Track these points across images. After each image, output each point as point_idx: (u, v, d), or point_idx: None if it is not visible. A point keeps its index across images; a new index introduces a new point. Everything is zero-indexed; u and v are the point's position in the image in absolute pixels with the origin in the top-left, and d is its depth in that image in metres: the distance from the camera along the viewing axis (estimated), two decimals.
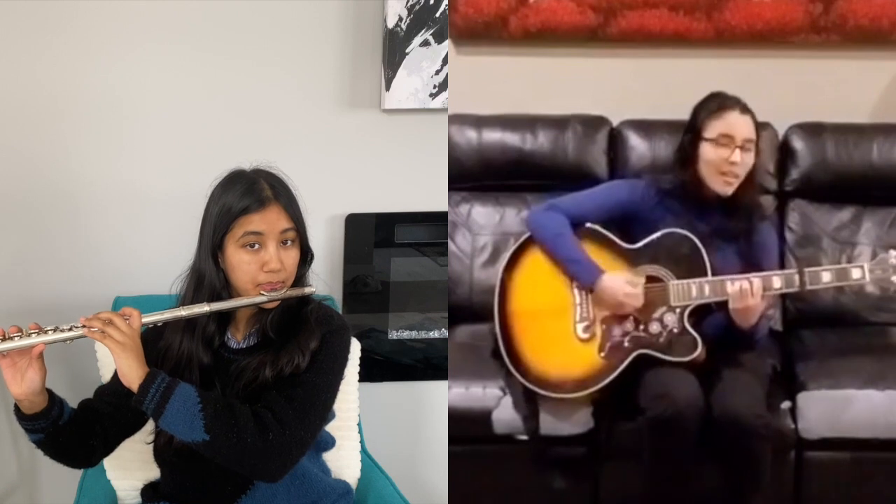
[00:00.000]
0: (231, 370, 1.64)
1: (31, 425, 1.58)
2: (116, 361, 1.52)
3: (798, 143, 2.34)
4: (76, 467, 1.75)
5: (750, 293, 1.88)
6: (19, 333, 1.52)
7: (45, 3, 2.08)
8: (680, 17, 2.39)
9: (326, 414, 1.67)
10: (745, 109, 1.96)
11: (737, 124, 1.95)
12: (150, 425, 1.72)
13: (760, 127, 2.00)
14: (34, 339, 1.51)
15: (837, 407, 1.99)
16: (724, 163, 1.94)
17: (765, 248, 2.02)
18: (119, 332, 1.50)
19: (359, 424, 2.08)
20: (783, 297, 2.28)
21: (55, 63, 2.11)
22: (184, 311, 1.59)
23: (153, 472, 1.81)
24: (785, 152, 2.35)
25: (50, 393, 1.58)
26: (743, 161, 1.95)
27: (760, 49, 2.41)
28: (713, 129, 1.96)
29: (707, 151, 1.96)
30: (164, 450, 1.68)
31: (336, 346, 1.66)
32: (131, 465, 1.90)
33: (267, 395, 1.58)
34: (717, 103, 1.98)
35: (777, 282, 1.91)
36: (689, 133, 2.01)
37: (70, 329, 1.53)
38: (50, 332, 1.52)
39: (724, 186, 1.96)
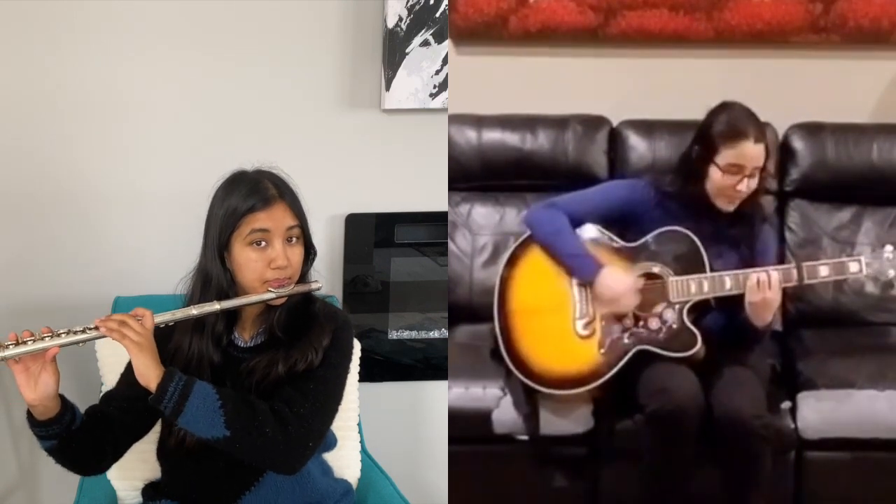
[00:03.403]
0: (241, 369, 1.65)
1: (44, 431, 1.57)
2: (133, 361, 1.52)
3: (798, 143, 2.34)
4: (87, 474, 1.76)
5: (767, 286, 1.88)
6: (32, 338, 1.51)
7: (51, 5, 2.08)
8: (680, 17, 2.39)
9: (337, 407, 1.68)
10: (759, 138, 1.92)
11: (749, 155, 1.91)
12: (157, 427, 1.73)
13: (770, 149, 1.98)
14: (48, 343, 1.51)
15: (837, 407, 1.99)
16: (730, 188, 1.94)
17: (764, 249, 2.02)
18: (134, 332, 1.51)
19: (359, 424, 2.08)
20: (783, 296, 2.28)
21: (59, 63, 2.12)
22: (195, 310, 1.60)
23: (153, 472, 1.81)
24: (785, 152, 2.35)
25: (62, 398, 1.57)
26: (748, 187, 1.94)
27: (760, 49, 2.41)
28: (725, 156, 1.92)
29: (715, 175, 1.94)
30: (174, 449, 1.68)
31: (344, 342, 1.69)
32: (131, 465, 1.89)
33: (281, 390, 1.60)
34: (731, 127, 1.92)
35: (776, 276, 1.91)
36: (699, 146, 1.98)
37: (83, 331, 1.52)
38: (63, 335, 1.52)
39: (726, 205, 1.97)
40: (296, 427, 1.55)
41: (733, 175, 1.92)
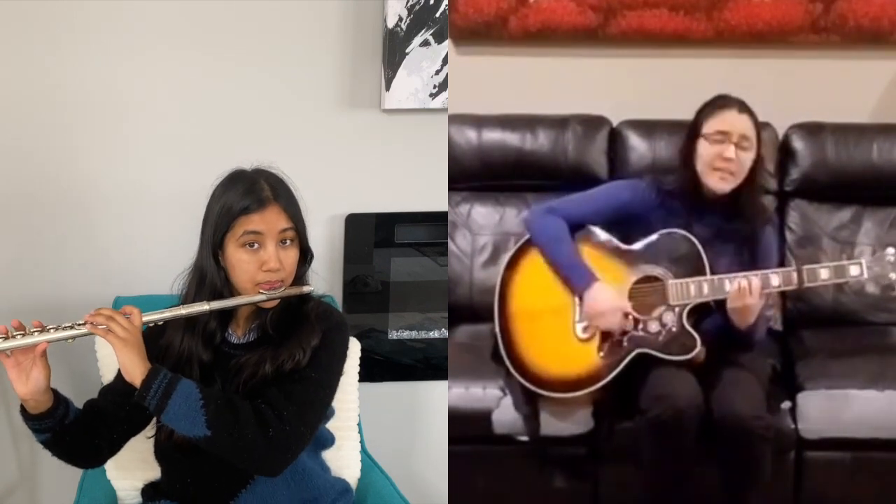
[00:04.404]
0: (231, 365, 1.65)
1: (37, 425, 1.59)
2: (119, 357, 1.53)
3: (798, 143, 2.34)
4: (83, 467, 1.77)
5: (748, 292, 1.88)
6: (22, 331, 1.53)
7: (51, 5, 2.08)
8: (680, 17, 2.39)
9: (325, 410, 1.69)
10: (744, 109, 1.96)
11: (733, 121, 1.95)
12: (152, 422, 1.73)
13: (761, 127, 1.99)
14: (37, 338, 1.52)
15: (837, 407, 1.99)
16: (719, 158, 1.94)
17: (766, 250, 2.02)
18: (121, 328, 1.52)
19: (359, 424, 2.08)
20: (783, 297, 2.29)
21: (59, 63, 2.11)
22: (184, 310, 1.60)
23: (153, 472, 1.81)
24: (785, 152, 2.36)
25: (55, 392, 1.59)
26: (739, 158, 1.94)
27: (760, 49, 2.42)
28: (710, 125, 1.97)
29: (703, 148, 1.97)
30: (164, 445, 1.69)
31: (335, 343, 1.68)
32: (131, 465, 1.90)
33: (267, 391, 1.59)
34: (715, 101, 1.99)
35: (775, 279, 1.91)
36: (690, 133, 2.01)
37: (73, 327, 1.54)
38: (52, 331, 1.53)
39: (719, 182, 1.96)
40: (277, 430, 1.55)
41: (720, 143, 1.94)
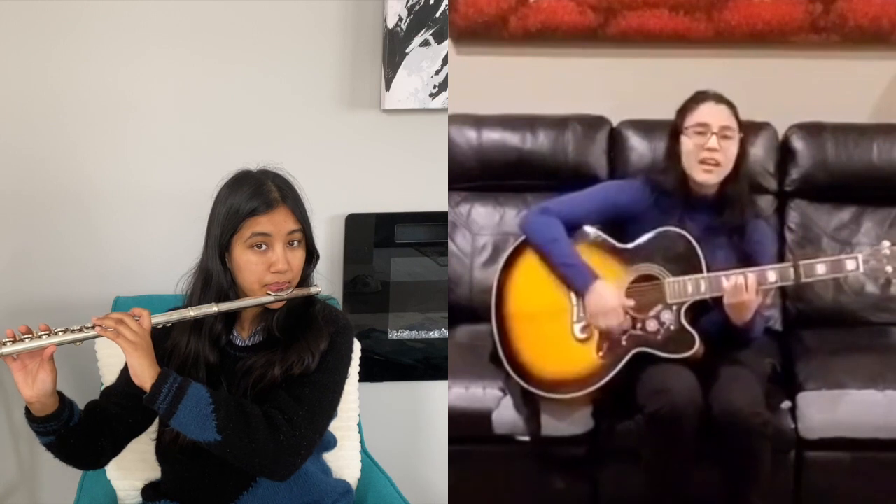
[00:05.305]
0: (237, 367, 1.66)
1: (42, 427, 1.58)
2: (129, 360, 1.52)
3: (798, 143, 2.34)
4: (85, 469, 1.77)
5: (745, 288, 1.89)
6: (29, 335, 1.52)
7: (53, 5, 2.08)
8: (680, 17, 2.39)
9: (333, 413, 1.69)
10: (721, 100, 1.99)
11: (711, 113, 1.98)
12: (154, 424, 1.73)
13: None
14: (45, 341, 1.51)
15: (837, 407, 1.99)
16: (701, 149, 1.96)
17: (760, 246, 2.02)
18: (130, 331, 1.51)
19: (359, 424, 2.08)
20: (783, 297, 2.29)
21: (61, 64, 2.12)
22: (192, 312, 1.60)
23: (153, 472, 1.81)
24: (785, 152, 2.36)
25: (60, 395, 1.58)
26: (722, 148, 1.96)
27: (760, 49, 2.42)
28: (690, 119, 1.99)
29: (685, 143, 1.99)
30: (168, 447, 1.69)
31: (342, 347, 1.68)
32: (131, 465, 1.90)
33: (276, 395, 1.60)
34: (692, 97, 2.02)
35: (772, 275, 1.91)
36: (671, 133, 2.04)
37: (81, 330, 1.53)
38: (60, 333, 1.52)
39: (704, 175, 1.97)
40: (287, 435, 1.55)
41: (701, 135, 1.96)
